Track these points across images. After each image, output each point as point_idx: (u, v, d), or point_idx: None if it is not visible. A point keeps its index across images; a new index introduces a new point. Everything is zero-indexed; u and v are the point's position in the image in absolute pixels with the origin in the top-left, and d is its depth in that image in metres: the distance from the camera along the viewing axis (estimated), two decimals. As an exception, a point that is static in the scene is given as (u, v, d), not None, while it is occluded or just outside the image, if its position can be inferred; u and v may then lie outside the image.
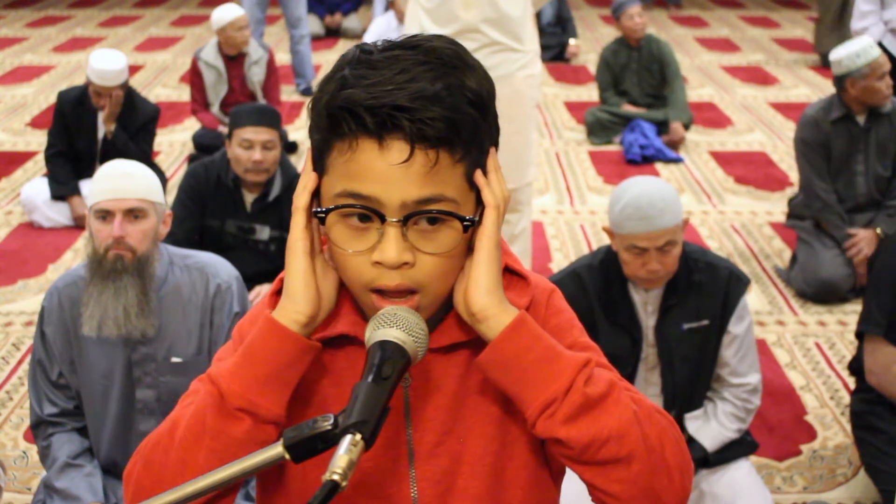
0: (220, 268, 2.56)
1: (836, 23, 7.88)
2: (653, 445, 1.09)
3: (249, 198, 3.85)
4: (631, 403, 1.10)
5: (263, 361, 1.09)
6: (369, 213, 1.07)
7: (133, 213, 2.40)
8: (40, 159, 5.76)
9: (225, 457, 1.05)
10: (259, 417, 1.08)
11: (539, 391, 1.07)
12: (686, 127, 6.27)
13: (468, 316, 1.11)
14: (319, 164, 1.11)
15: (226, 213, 3.83)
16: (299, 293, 1.10)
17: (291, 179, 3.86)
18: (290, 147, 6.01)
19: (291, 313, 1.10)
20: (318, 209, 1.09)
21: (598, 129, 6.35)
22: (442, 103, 1.05)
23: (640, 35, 6.20)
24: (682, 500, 1.12)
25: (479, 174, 1.11)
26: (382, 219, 1.07)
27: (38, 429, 2.59)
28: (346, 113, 1.05)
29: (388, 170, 1.05)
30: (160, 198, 2.48)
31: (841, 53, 4.15)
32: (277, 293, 1.17)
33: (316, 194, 1.13)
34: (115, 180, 2.41)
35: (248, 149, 3.71)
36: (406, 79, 1.05)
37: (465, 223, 1.09)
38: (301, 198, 1.11)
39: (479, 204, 1.12)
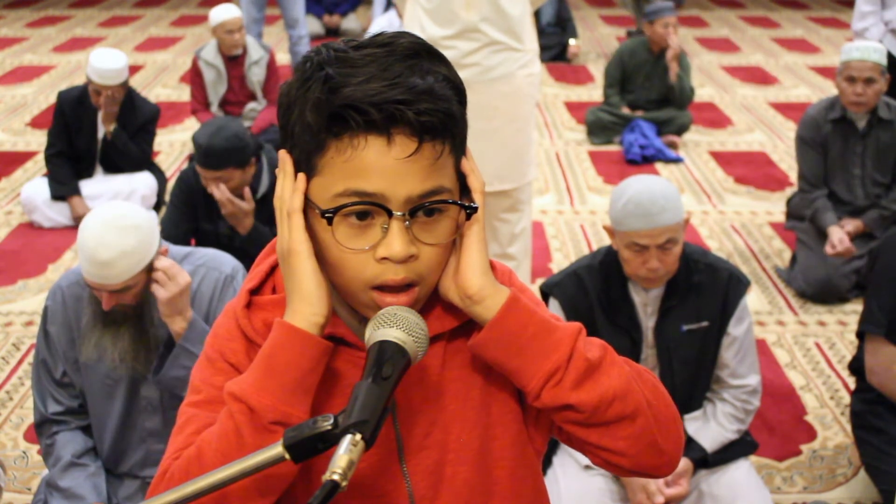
0: (223, 260, 2.57)
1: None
2: (650, 400, 1.15)
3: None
4: (623, 364, 1.15)
5: (286, 370, 1.08)
6: (375, 209, 1.07)
7: (121, 289, 2.33)
8: (40, 159, 5.76)
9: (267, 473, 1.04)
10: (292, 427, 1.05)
11: (541, 363, 1.11)
12: (683, 128, 6.28)
13: (463, 299, 1.12)
14: (307, 167, 1.10)
15: (217, 216, 3.81)
16: (314, 295, 1.10)
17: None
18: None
19: (309, 316, 1.10)
20: (326, 210, 1.08)
21: (599, 129, 6.34)
22: (437, 96, 1.07)
23: (665, 45, 6.05)
24: (680, 448, 1.19)
25: (464, 162, 1.15)
26: (390, 214, 1.07)
27: (42, 427, 2.59)
28: (352, 111, 1.05)
29: (394, 165, 1.06)
30: (150, 256, 2.32)
31: (846, 45, 4.18)
32: (247, 305, 1.18)
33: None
34: (98, 268, 2.27)
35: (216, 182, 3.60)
36: (394, 75, 1.06)
37: (468, 211, 1.12)
38: (296, 200, 1.11)
39: (463, 191, 1.15)
